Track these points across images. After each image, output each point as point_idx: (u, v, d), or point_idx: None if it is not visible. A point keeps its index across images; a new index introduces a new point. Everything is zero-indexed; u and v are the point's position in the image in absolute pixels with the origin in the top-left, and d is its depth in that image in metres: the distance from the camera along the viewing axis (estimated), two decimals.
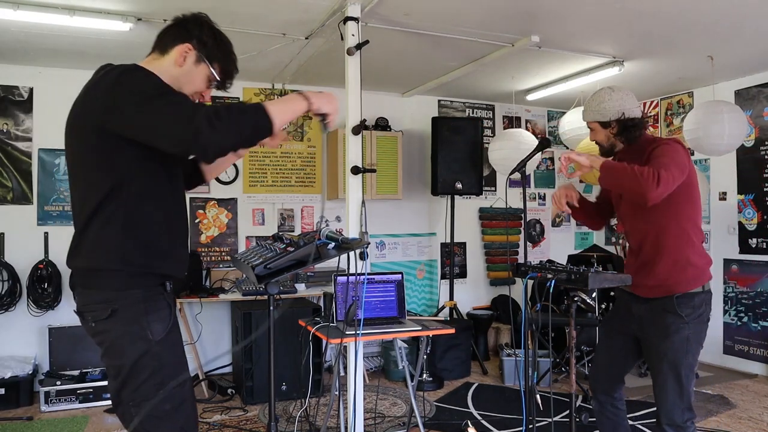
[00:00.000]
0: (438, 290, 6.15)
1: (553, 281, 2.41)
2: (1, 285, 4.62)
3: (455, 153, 5.55)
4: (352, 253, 2.99)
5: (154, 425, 1.73)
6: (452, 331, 3.29)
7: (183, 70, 1.84)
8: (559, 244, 6.75)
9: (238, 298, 4.79)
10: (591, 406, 2.89)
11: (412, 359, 4.86)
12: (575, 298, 2.59)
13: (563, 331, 5.38)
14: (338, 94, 5.01)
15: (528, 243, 6.60)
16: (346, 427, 3.41)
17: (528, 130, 6.24)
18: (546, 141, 2.97)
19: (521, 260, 6.40)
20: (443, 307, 5.75)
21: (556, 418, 3.92)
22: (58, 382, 4.35)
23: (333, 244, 2.29)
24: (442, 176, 5.53)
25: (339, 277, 3.21)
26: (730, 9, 3.68)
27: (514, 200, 6.41)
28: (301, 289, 5.00)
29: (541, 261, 2.78)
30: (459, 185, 5.53)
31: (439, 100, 6.26)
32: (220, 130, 1.57)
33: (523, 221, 5.19)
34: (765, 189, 5.23)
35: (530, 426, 2.76)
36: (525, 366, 2.86)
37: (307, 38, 4.14)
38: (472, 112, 6.43)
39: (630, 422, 2.94)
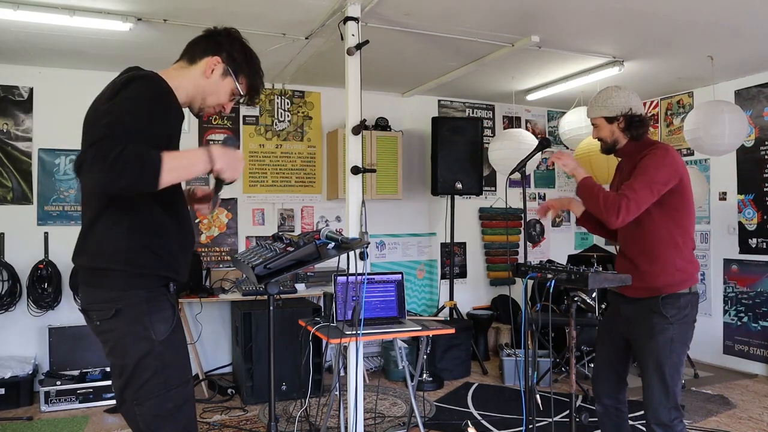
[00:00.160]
0: (438, 290, 6.15)
1: (553, 281, 2.42)
2: (1, 285, 4.62)
3: (455, 153, 5.55)
4: (352, 253, 2.99)
5: (158, 425, 1.75)
6: (452, 331, 3.29)
7: (209, 82, 1.89)
8: (559, 244, 6.75)
9: (238, 298, 4.79)
10: (591, 406, 2.89)
11: (412, 359, 4.86)
12: (575, 298, 2.60)
13: (563, 331, 5.38)
14: (338, 94, 5.00)
15: (528, 243, 6.60)
16: (346, 427, 3.41)
17: (528, 130, 6.24)
18: (546, 141, 2.97)
19: (521, 260, 6.41)
20: (443, 307, 5.75)
21: (556, 418, 3.92)
22: (58, 382, 4.35)
23: (333, 244, 2.29)
24: (442, 176, 5.53)
25: (339, 277, 3.21)
26: (730, 9, 3.68)
27: (514, 200, 6.41)
28: (301, 289, 5.00)
29: (541, 261, 2.79)
30: (459, 185, 5.53)
31: (439, 100, 6.26)
32: (97, 172, 1.50)
33: (523, 221, 5.19)
34: (765, 189, 5.23)
35: (530, 426, 2.76)
36: (525, 366, 2.86)
37: (307, 38, 4.14)
38: (472, 112, 6.43)
39: (630, 422, 2.94)
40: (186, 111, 2.01)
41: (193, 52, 1.91)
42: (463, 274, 6.34)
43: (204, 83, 1.89)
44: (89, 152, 1.51)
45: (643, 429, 3.80)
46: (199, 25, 3.80)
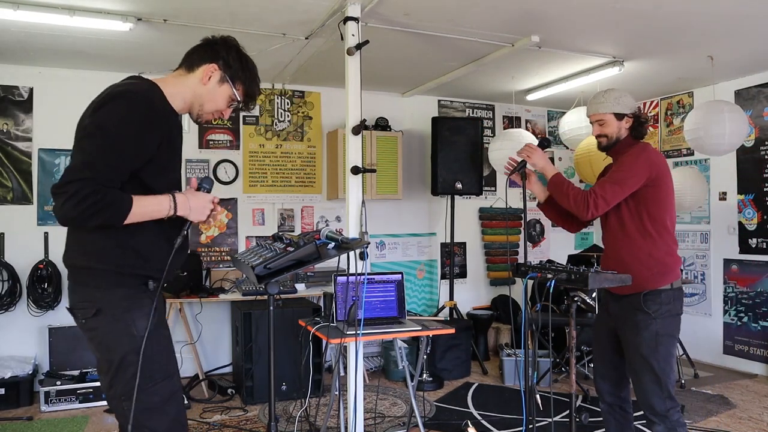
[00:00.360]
0: (438, 290, 6.15)
1: (553, 281, 2.42)
2: (1, 285, 4.62)
3: (455, 153, 5.55)
4: (352, 253, 2.99)
5: (147, 417, 1.82)
6: (452, 331, 3.29)
7: (207, 89, 1.97)
8: (559, 244, 6.75)
9: (238, 298, 4.79)
10: (591, 406, 2.90)
11: (412, 359, 4.86)
12: (575, 298, 2.61)
13: (563, 331, 5.38)
14: (338, 94, 5.00)
15: (528, 243, 6.60)
16: (346, 427, 3.41)
17: (528, 130, 6.24)
18: (546, 141, 2.99)
19: (521, 260, 6.40)
20: (443, 307, 5.75)
21: (556, 418, 3.92)
22: (58, 382, 4.35)
23: (333, 244, 2.29)
24: (442, 176, 5.53)
25: (339, 277, 3.21)
26: (730, 9, 3.68)
27: (514, 200, 6.41)
28: (301, 289, 5.00)
29: (541, 261, 2.80)
30: (459, 185, 5.53)
31: (439, 100, 6.26)
32: (69, 210, 1.66)
33: (523, 221, 5.19)
34: (765, 189, 5.23)
35: (530, 426, 2.76)
36: (525, 366, 2.87)
37: (307, 38, 4.14)
38: (472, 112, 6.43)
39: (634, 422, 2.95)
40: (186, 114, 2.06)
41: (192, 60, 1.99)
42: (463, 274, 6.34)
43: (201, 90, 1.96)
44: (69, 188, 1.64)
45: (644, 430, 3.81)
46: (199, 25, 3.85)
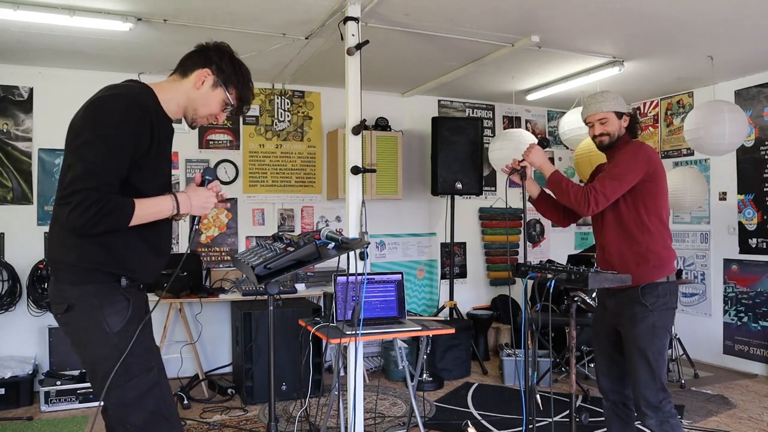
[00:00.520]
0: (438, 290, 6.15)
1: (553, 281, 2.43)
2: (1, 285, 4.62)
3: (455, 153, 5.55)
4: (352, 253, 2.99)
5: (124, 412, 1.87)
6: (452, 331, 3.29)
7: (200, 93, 2.01)
8: (559, 244, 6.75)
9: (238, 298, 4.79)
10: (591, 406, 2.90)
11: (412, 359, 4.86)
12: (575, 298, 2.63)
13: (563, 331, 5.38)
14: (338, 94, 5.00)
15: (528, 243, 6.60)
16: (346, 427, 3.41)
17: (528, 130, 6.24)
18: (545, 140, 3.00)
19: (521, 260, 6.40)
20: (443, 307, 5.75)
21: (556, 418, 3.92)
22: (58, 382, 4.35)
23: (333, 244, 2.29)
24: (442, 176, 5.53)
25: (339, 277, 3.21)
26: (730, 9, 3.68)
27: (514, 200, 6.41)
28: (301, 289, 5.00)
29: (541, 261, 2.81)
30: (459, 185, 5.53)
31: (439, 100, 6.26)
32: (76, 219, 1.71)
33: (523, 221, 5.20)
34: (765, 189, 5.23)
35: (530, 426, 2.76)
36: (525, 366, 2.87)
37: (307, 38, 4.14)
38: (472, 112, 6.43)
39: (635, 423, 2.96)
40: None
41: (186, 65, 2.04)
42: (463, 274, 6.34)
43: (195, 94, 2.01)
44: (74, 198, 1.70)
45: (644, 430, 3.81)
46: (199, 25, 3.85)
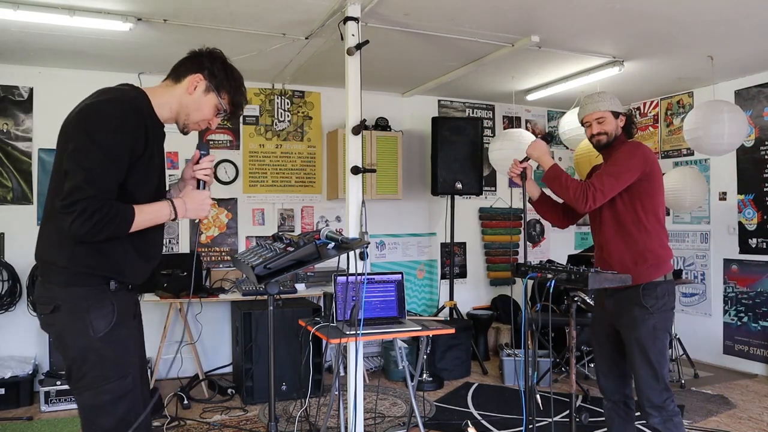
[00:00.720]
0: (438, 290, 6.15)
1: (553, 281, 2.43)
2: (1, 285, 4.62)
3: (455, 153, 5.55)
4: (352, 253, 2.99)
5: (94, 414, 1.87)
6: (452, 331, 3.29)
7: (192, 98, 2.03)
8: (559, 244, 6.75)
9: (238, 298, 4.79)
10: (591, 406, 2.90)
11: (412, 359, 4.86)
12: (575, 298, 2.64)
13: (563, 331, 5.38)
14: (338, 94, 4.98)
15: (528, 243, 6.60)
16: (346, 427, 3.41)
17: (528, 130, 6.24)
18: (549, 135, 3.05)
19: (521, 260, 6.40)
20: (443, 307, 5.76)
21: (556, 418, 3.92)
22: (58, 382, 4.35)
23: (333, 244, 2.29)
24: (442, 176, 5.53)
25: (339, 277, 3.21)
26: (730, 9, 3.68)
27: (514, 200, 6.41)
28: (301, 289, 5.00)
29: (541, 261, 2.82)
30: (459, 185, 5.53)
31: (439, 100, 6.26)
32: (78, 227, 1.73)
33: (523, 221, 5.20)
34: (765, 189, 5.23)
35: (530, 426, 2.76)
36: (525, 366, 2.87)
37: (307, 38, 4.14)
38: (472, 112, 6.43)
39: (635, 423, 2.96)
40: None
41: (179, 71, 2.05)
42: (463, 274, 6.34)
43: (187, 100, 2.03)
44: (76, 207, 1.71)
45: (644, 430, 3.81)
46: (199, 25, 3.85)
